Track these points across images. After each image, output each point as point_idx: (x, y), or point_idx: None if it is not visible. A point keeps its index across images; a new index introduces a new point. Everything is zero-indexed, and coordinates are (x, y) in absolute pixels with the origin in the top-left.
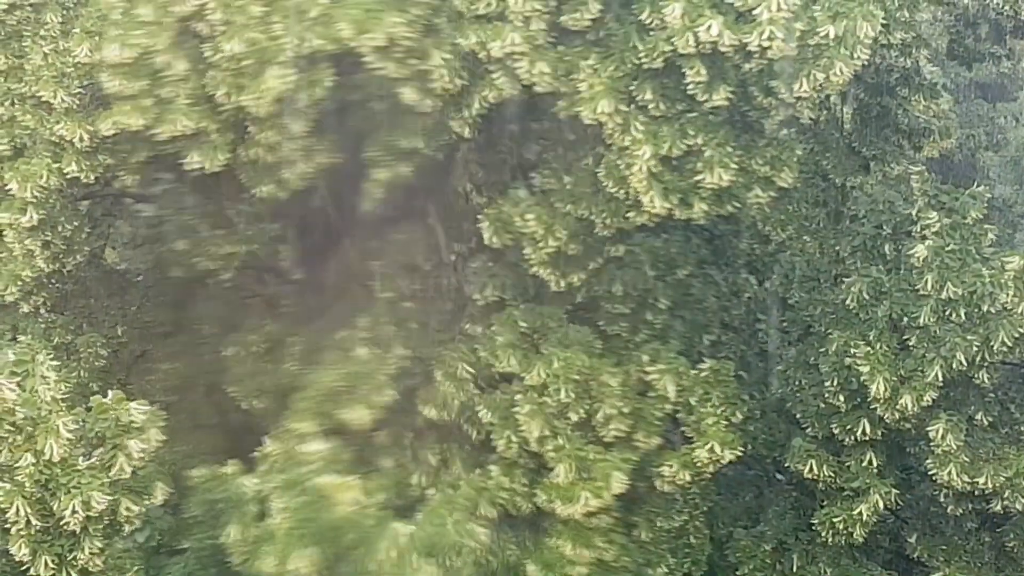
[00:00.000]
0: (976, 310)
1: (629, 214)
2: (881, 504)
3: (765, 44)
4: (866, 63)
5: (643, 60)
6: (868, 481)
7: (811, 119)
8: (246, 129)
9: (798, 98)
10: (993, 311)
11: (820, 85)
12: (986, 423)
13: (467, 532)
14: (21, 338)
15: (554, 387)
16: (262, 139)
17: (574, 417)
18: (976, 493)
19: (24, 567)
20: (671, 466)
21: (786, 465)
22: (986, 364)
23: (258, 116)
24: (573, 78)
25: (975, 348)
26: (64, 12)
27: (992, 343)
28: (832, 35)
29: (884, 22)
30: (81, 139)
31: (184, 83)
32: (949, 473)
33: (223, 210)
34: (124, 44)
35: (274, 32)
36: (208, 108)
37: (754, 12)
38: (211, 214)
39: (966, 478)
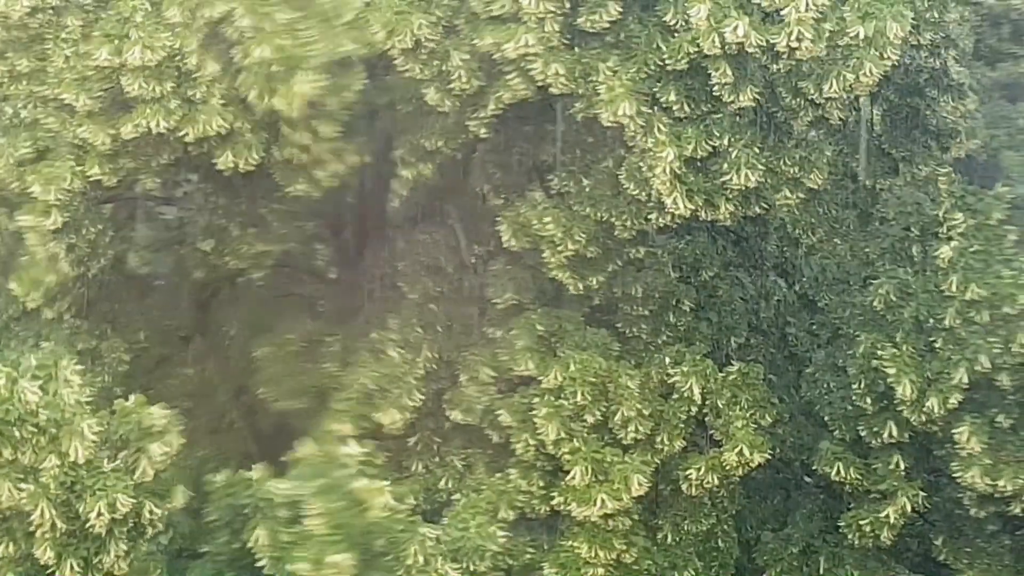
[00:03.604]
0: (998, 312)
1: (651, 216)
2: (908, 506)
3: (793, 45)
4: (896, 63)
5: (667, 62)
6: (895, 484)
7: (840, 120)
8: (279, 129)
9: (827, 99)
10: (1014, 313)
11: (850, 86)
12: (1007, 426)
13: (489, 535)
14: (44, 344)
15: (570, 390)
16: (295, 139)
17: (591, 419)
18: (997, 496)
19: (49, 570)
20: (698, 469)
21: (814, 468)
22: (1007, 367)
23: (290, 118)
24: (592, 80)
25: (996, 350)
26: (85, 15)
27: (1012, 345)
28: (862, 36)
29: (914, 22)
30: (103, 142)
31: (216, 84)
32: (972, 475)
33: (255, 209)
34: (147, 47)
35: (303, 38)
36: (241, 108)
37: (781, 13)
38: (242, 213)
39: (988, 480)
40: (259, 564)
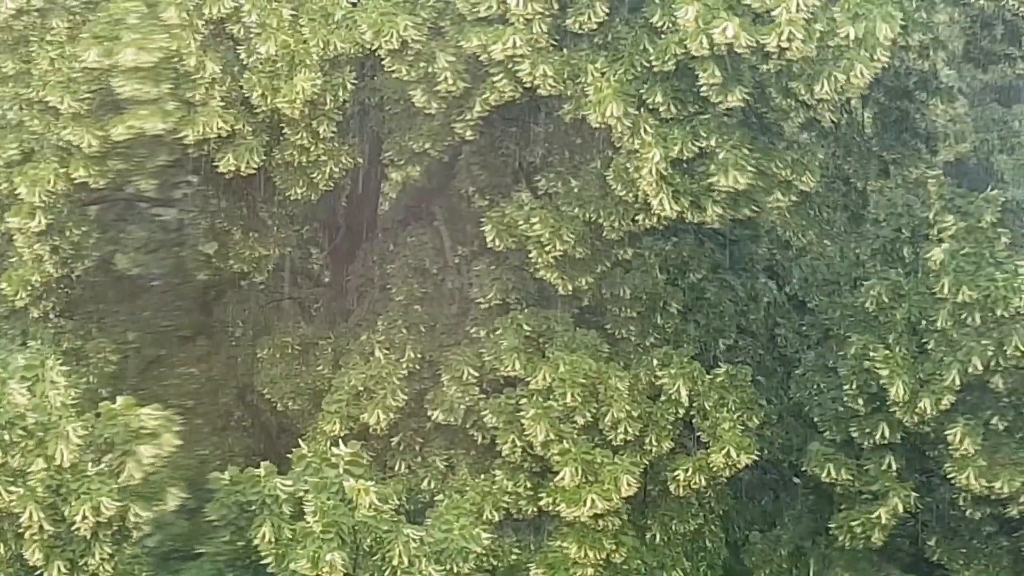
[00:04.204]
0: (990, 314)
1: (638, 217)
2: (901, 507)
3: (784, 45)
4: (885, 65)
5: (654, 63)
6: (887, 484)
7: (832, 122)
8: (281, 131)
9: (818, 100)
10: (1007, 316)
11: (840, 87)
12: (1001, 428)
13: (472, 537)
14: (31, 343)
15: (560, 391)
16: (296, 141)
17: (580, 421)
18: (993, 497)
19: (37, 572)
20: (686, 470)
21: (803, 469)
22: (1000, 369)
23: (292, 118)
24: (580, 81)
25: (990, 353)
26: (71, 17)
27: (1006, 348)
28: (852, 36)
29: (903, 23)
30: (89, 144)
31: (217, 85)
32: (967, 477)
33: (256, 212)
34: (142, 48)
35: (303, 35)
36: (243, 110)
37: (772, 13)
38: (242, 217)
39: (984, 482)
40: (260, 563)
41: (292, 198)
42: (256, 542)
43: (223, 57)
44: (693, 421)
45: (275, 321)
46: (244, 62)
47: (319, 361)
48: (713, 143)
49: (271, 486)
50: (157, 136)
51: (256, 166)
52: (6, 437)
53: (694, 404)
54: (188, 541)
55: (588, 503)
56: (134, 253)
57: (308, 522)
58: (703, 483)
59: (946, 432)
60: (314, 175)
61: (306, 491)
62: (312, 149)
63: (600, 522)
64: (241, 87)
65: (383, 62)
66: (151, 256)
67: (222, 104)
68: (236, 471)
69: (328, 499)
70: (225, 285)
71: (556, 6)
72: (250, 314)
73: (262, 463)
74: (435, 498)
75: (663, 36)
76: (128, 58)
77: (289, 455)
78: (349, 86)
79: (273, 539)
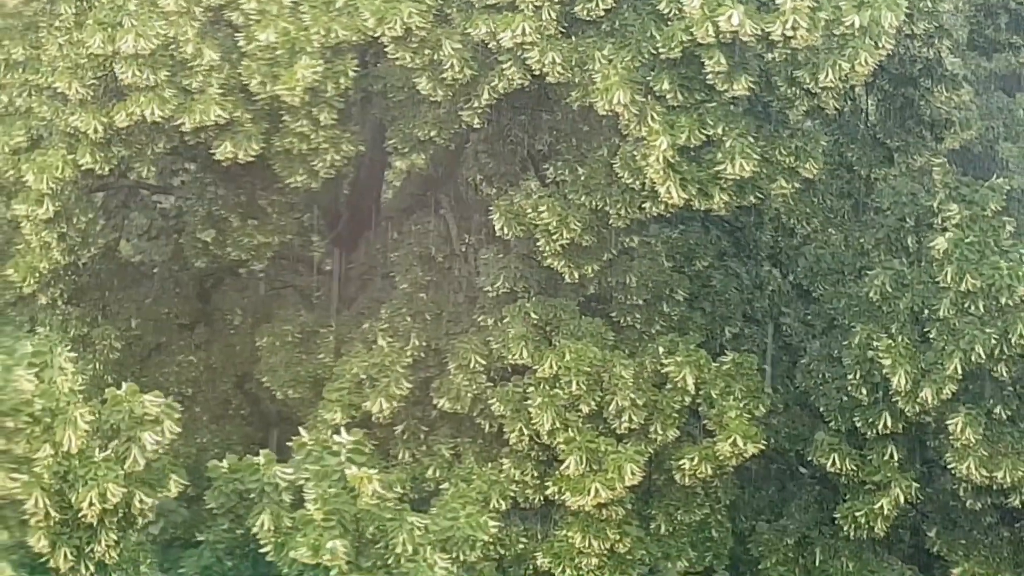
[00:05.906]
0: (994, 303)
1: (645, 205)
2: (902, 498)
3: (788, 33)
4: (890, 53)
5: (660, 50)
6: (889, 475)
7: (836, 109)
8: (280, 118)
9: (823, 88)
10: (1011, 304)
11: (845, 75)
12: (1004, 417)
13: (479, 525)
14: (39, 330)
15: (565, 379)
16: (295, 128)
17: (585, 409)
18: (994, 487)
19: (43, 559)
20: (692, 459)
21: (809, 459)
22: (1004, 357)
23: (292, 105)
24: (587, 68)
25: (993, 341)
26: (78, 3)
27: (1010, 336)
28: (857, 25)
29: (908, 12)
30: (96, 131)
31: (215, 72)
32: (968, 467)
33: (255, 200)
34: (141, 35)
35: (304, 22)
36: (241, 97)
37: (776, 1)
38: (241, 204)
39: (984, 472)
40: (259, 551)
41: (292, 186)
42: (255, 530)
43: (221, 44)
44: (699, 409)
45: (275, 309)
46: (243, 49)
47: (320, 349)
48: (720, 131)
49: (271, 474)
50: (156, 123)
51: (254, 154)
52: (10, 424)
53: (700, 392)
54: (188, 529)
55: (592, 492)
56: (136, 240)
57: (309, 510)
58: (709, 472)
59: (947, 422)
60: (314, 163)
61: (307, 479)
62: (312, 137)
63: (604, 511)
64: (240, 75)
65: (386, 49)
66: (152, 243)
67: (220, 91)
68: (235, 459)
69: (330, 487)
70: (224, 273)
71: None
72: (249, 302)
73: (261, 451)
74: (440, 487)
75: (670, 23)
76: (128, 45)
77: (289, 443)
78: (351, 73)
79: (272, 527)
